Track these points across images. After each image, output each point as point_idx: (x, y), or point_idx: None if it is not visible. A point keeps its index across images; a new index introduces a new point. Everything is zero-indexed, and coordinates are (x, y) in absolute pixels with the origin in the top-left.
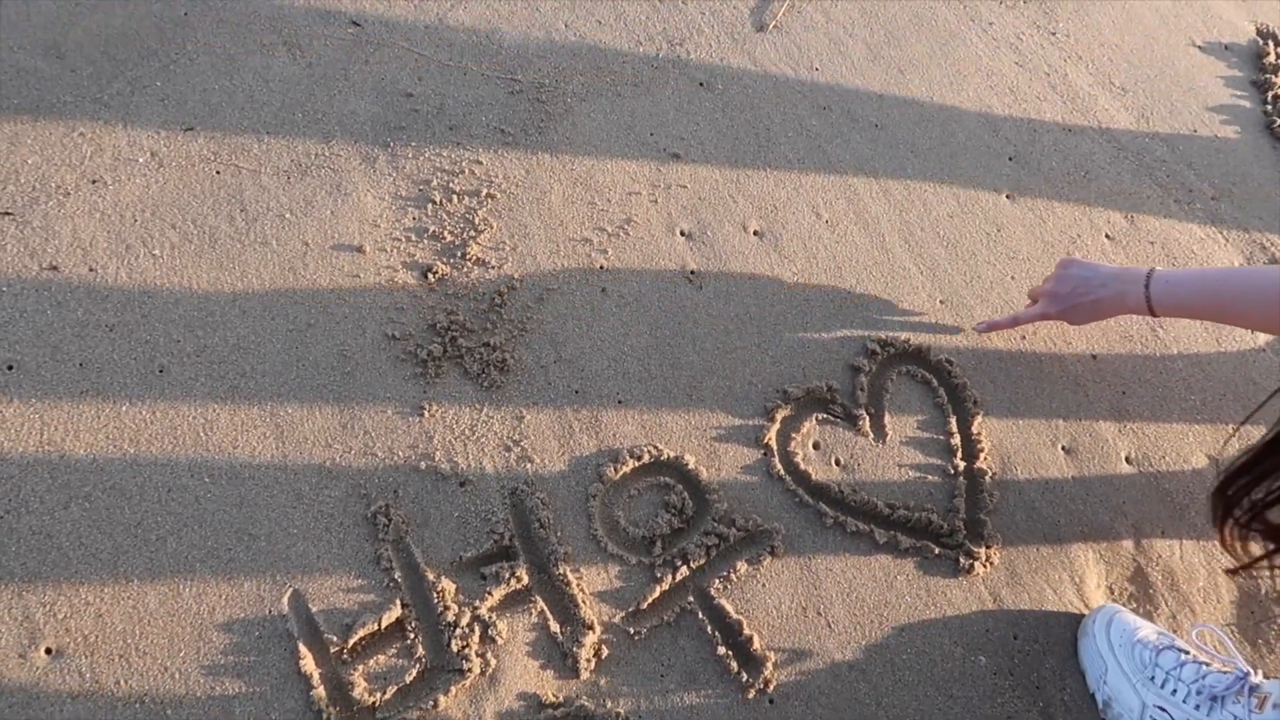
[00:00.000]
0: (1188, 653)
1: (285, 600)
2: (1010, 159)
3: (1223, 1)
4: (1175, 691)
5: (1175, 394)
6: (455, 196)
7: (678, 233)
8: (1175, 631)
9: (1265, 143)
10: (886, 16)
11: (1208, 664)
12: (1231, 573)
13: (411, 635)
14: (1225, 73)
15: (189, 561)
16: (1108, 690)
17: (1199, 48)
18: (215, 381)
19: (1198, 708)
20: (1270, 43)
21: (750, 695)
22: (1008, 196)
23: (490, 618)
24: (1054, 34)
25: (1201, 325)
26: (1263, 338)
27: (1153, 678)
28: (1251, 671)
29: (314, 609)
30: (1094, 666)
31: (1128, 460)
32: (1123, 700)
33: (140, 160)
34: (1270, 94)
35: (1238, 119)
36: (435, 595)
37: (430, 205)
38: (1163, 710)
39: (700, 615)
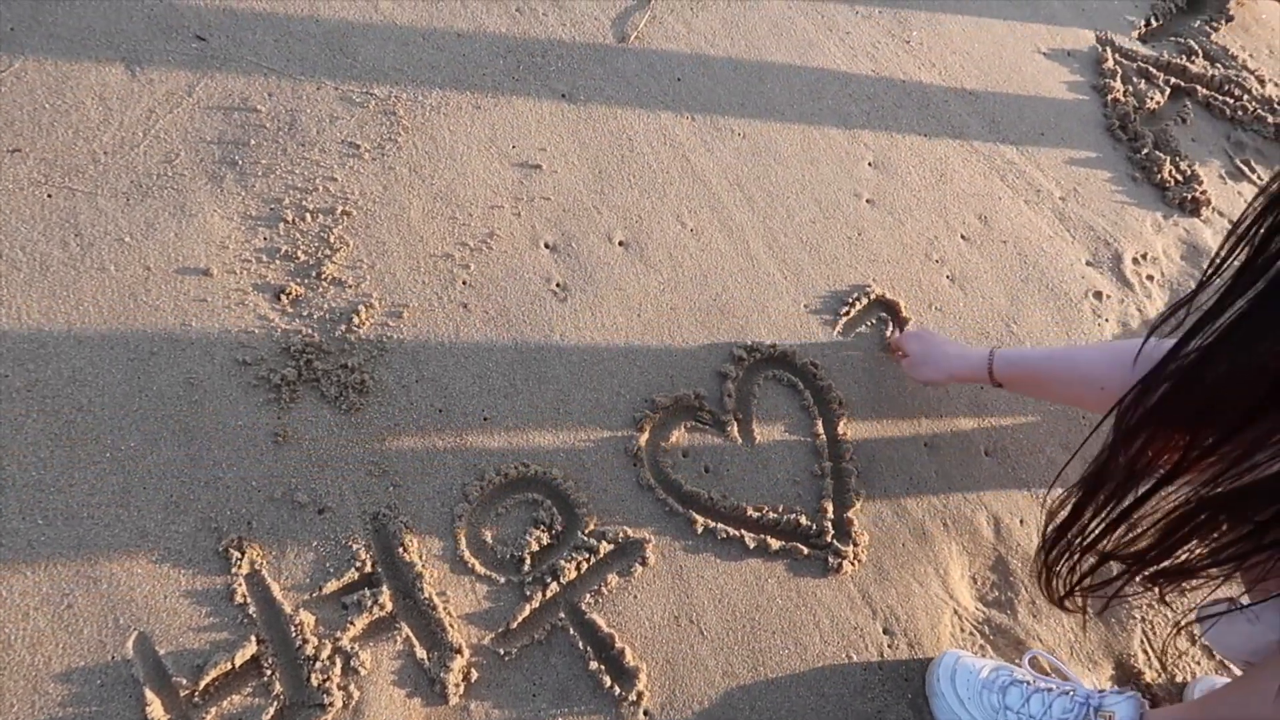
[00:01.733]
0: (1028, 682)
1: (130, 644)
2: (870, 164)
3: (1065, 10)
4: None
5: None
6: (309, 214)
7: (542, 245)
8: (1034, 618)
9: (1107, 143)
10: (747, 27)
11: (1049, 690)
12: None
13: (268, 672)
14: (1068, 78)
15: (21, 609)
16: None
17: (1044, 54)
18: (49, 417)
19: None
20: (1109, 49)
21: (623, 709)
22: (868, 201)
23: (353, 648)
24: (908, 42)
25: (1054, 322)
26: (1109, 331)
27: None
28: (1092, 692)
29: (161, 651)
30: None
31: (986, 453)
32: None
33: None
34: (1109, 98)
35: (1081, 122)
36: (293, 629)
37: (282, 224)
38: None
39: (572, 631)
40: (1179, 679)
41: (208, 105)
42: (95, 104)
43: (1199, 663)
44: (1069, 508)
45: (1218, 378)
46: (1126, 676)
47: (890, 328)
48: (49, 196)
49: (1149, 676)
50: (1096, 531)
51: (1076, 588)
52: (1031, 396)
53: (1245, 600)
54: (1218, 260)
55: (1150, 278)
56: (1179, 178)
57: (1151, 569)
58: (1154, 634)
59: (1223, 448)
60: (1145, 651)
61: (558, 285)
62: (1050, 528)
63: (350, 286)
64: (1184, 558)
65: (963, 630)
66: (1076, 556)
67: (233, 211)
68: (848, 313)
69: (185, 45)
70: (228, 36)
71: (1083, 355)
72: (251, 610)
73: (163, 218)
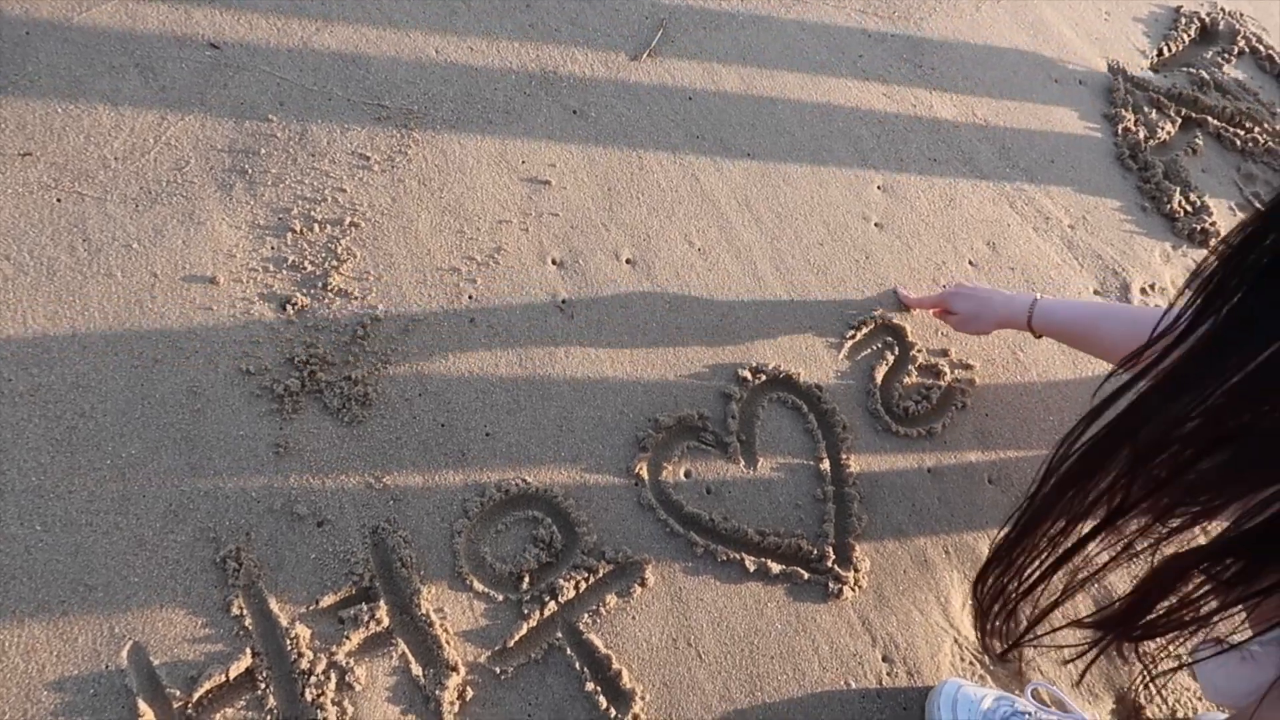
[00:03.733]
0: (1030, 713)
1: (124, 654)
2: (879, 188)
3: (1078, 39)
4: None
5: (1035, 416)
6: (317, 225)
7: (549, 261)
8: (1035, 649)
9: (1116, 172)
10: (758, 48)
11: None
12: (1003, 655)
13: (263, 685)
14: (1079, 106)
15: (16, 616)
16: None
17: (1056, 82)
18: (50, 422)
19: None
20: (1120, 78)
21: None
22: (877, 225)
23: (348, 663)
24: (920, 67)
25: (1061, 349)
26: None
27: None
28: None
29: (156, 662)
30: None
31: (990, 481)
32: None
33: None
34: (1120, 127)
35: (1091, 150)
36: (289, 642)
37: (290, 234)
38: None
39: (569, 651)
40: (1180, 714)
41: (219, 113)
42: (107, 110)
43: (1200, 699)
44: (1001, 547)
45: (1154, 423)
46: (1127, 711)
47: (904, 290)
48: (58, 201)
49: (1150, 711)
50: (1034, 577)
51: (1021, 639)
52: (1064, 341)
53: (1236, 638)
54: (1174, 314)
55: (1158, 308)
56: (1188, 209)
57: (1125, 630)
58: (1155, 668)
59: (1163, 490)
60: (1146, 686)
61: (563, 302)
62: (983, 568)
63: (356, 298)
64: (1153, 616)
65: (963, 659)
66: (1012, 604)
67: (241, 220)
68: (854, 336)
69: (198, 53)
70: (241, 45)
71: (1108, 319)
72: (247, 622)
73: (171, 225)
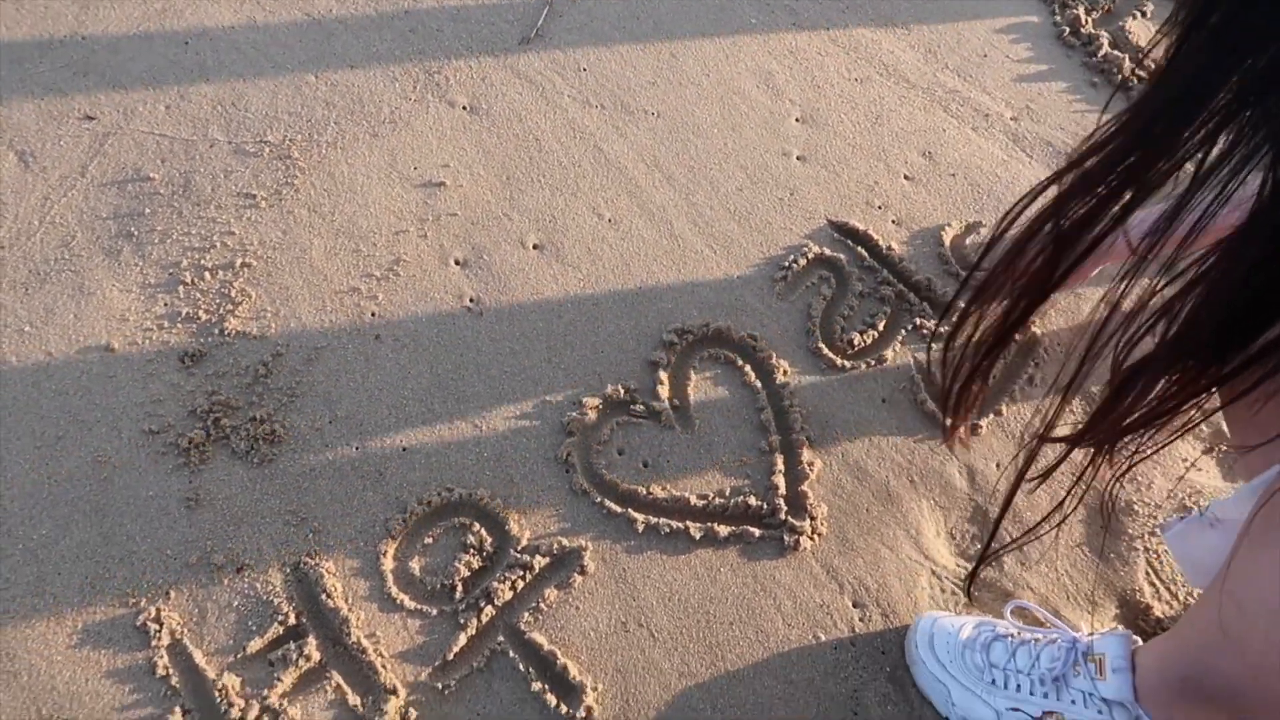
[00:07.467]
0: (1013, 635)
1: None
2: (797, 120)
3: None
4: (1020, 687)
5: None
6: (208, 273)
7: (452, 262)
8: (1023, 567)
9: (1059, 53)
10: (652, 5)
11: (1036, 640)
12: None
13: None
14: None
15: None
16: (958, 711)
17: None
18: None
19: (1046, 695)
20: None
21: None
22: (799, 159)
23: (281, 705)
24: None
25: None
26: None
27: (994, 681)
28: (1078, 636)
29: None
30: (936, 692)
31: None
32: (975, 714)
33: None
34: (1057, 3)
35: (1028, 35)
36: (218, 694)
37: (181, 287)
38: (1016, 710)
39: (512, 654)
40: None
41: (101, 182)
42: None
43: None
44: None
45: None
46: (1133, 614)
47: None
48: None
49: (1158, 610)
50: (988, 341)
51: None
52: None
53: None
54: None
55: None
56: (1143, 74)
57: (1093, 437)
58: (1159, 563)
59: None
60: (1152, 584)
61: (471, 300)
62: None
63: (256, 338)
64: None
65: (944, 591)
66: (965, 373)
67: (131, 283)
68: (784, 277)
69: (74, 127)
70: (118, 110)
71: None
72: (174, 681)
73: (61, 301)
